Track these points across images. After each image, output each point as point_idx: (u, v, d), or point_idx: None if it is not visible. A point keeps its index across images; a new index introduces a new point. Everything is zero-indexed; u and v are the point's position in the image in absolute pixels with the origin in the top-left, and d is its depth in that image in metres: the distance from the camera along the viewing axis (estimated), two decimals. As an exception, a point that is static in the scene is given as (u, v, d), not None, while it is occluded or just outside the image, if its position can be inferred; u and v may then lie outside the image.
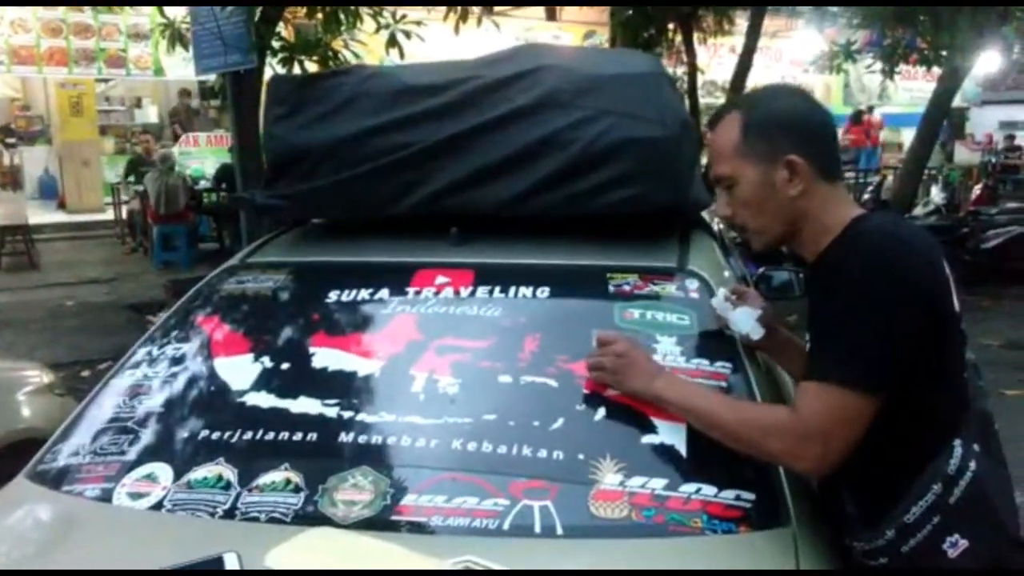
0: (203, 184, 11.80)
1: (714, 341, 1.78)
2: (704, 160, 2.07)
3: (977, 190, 11.90)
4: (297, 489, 1.53)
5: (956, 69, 9.49)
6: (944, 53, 9.04)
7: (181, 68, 10.92)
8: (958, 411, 1.44)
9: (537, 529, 1.42)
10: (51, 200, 14.21)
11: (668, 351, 1.74)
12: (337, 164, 2.13)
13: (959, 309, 1.49)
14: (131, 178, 11.84)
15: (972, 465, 1.39)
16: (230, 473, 1.58)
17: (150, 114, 17.25)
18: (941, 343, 1.42)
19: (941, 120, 10.55)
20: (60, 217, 13.35)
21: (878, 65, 9.93)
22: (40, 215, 12.62)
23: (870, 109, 17.67)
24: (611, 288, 1.91)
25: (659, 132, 2.00)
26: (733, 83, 9.32)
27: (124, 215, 12.08)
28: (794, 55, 15.77)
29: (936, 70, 9.81)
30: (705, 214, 2.52)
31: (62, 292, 9.29)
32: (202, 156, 13.76)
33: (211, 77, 6.61)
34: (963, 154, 17.75)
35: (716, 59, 13.38)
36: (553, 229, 2.13)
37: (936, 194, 10.64)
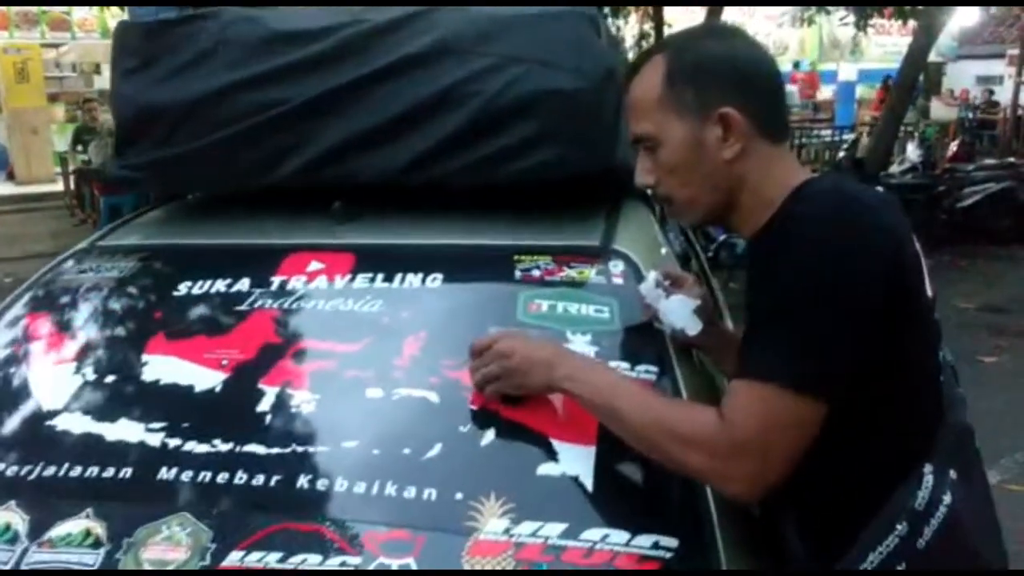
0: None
1: (638, 339, 1.46)
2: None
3: (954, 147, 11.63)
4: (97, 544, 1.20)
5: (932, 23, 9.15)
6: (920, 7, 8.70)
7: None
8: (930, 426, 1.13)
9: (394, 598, 1.10)
10: (0, 171, 13.68)
11: (580, 352, 1.41)
12: (196, 127, 1.77)
13: (933, 295, 1.17)
14: (79, 147, 11.33)
15: (947, 498, 1.08)
16: (20, 521, 1.24)
17: (108, 80, 16.61)
18: (909, 335, 1.11)
19: (917, 75, 10.23)
20: (9, 189, 12.85)
21: (851, 18, 9.58)
22: (-12, 187, 12.15)
23: (796, 64, 17.48)
24: (517, 273, 1.57)
25: (577, 83, 1.66)
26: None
27: (73, 186, 11.59)
28: (768, 10, 15.36)
29: (912, 23, 9.47)
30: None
31: (5, 268, 8.87)
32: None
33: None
34: (939, 110, 17.49)
35: (688, 13, 12.96)
36: (459, 202, 1.79)
37: (912, 151, 10.33)
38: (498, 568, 1.12)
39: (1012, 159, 10.43)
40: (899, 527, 1.07)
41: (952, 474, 1.10)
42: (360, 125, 1.72)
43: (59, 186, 12.39)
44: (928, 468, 1.09)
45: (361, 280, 1.58)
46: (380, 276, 1.58)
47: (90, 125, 11.21)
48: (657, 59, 1.25)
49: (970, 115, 16.02)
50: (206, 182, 1.90)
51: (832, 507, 1.14)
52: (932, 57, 12.56)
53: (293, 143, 1.75)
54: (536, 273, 1.57)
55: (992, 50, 21.17)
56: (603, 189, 1.88)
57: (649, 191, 1.32)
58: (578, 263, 1.59)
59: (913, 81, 10.04)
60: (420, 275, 1.58)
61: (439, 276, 1.58)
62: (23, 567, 1.18)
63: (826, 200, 1.12)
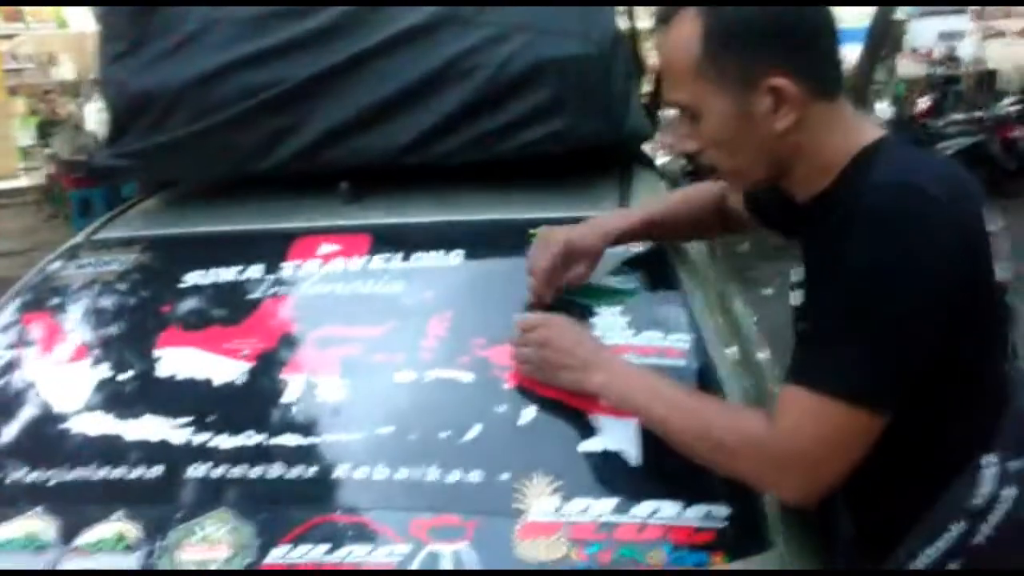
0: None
1: (667, 308, 1.43)
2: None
3: (922, 103, 11.68)
4: (132, 547, 1.16)
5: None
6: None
7: (86, 19, 10.15)
8: (992, 414, 1.07)
9: (448, 585, 1.08)
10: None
11: (610, 325, 1.38)
12: (191, 111, 1.71)
13: (1009, 278, 1.10)
14: (46, 140, 11.07)
15: (1008, 491, 1.03)
16: (48, 527, 1.20)
17: (67, 71, 16.22)
18: (977, 330, 1.05)
19: (885, 33, 10.24)
20: (-28, 186, 12.53)
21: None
22: (-51, 185, 11.82)
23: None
24: None
25: (584, 49, 1.62)
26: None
27: (43, 180, 11.33)
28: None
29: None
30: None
31: (-26, 267, 8.67)
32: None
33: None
34: (906, 67, 17.54)
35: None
36: (466, 177, 1.75)
37: (884, 109, 10.36)
38: (552, 548, 1.10)
39: (980, 113, 10.48)
40: (954, 526, 1.02)
41: (1014, 466, 1.05)
42: (360, 104, 1.67)
43: (23, 181, 12.12)
44: (989, 460, 1.04)
45: (378, 261, 1.54)
46: (398, 256, 1.54)
47: (52, 118, 10.98)
48: (689, 16, 1.07)
49: (937, 71, 16.09)
50: (203, 169, 1.84)
51: (883, 496, 1.11)
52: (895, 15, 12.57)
53: (291, 125, 1.70)
54: None
55: (953, 7, 21.26)
56: (613, 157, 1.85)
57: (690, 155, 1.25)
58: None
59: (882, 39, 10.05)
60: (439, 253, 1.54)
61: (458, 254, 1.54)
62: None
63: (887, 199, 1.00)
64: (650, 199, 1.52)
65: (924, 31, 21.79)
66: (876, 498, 1.10)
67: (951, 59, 17.22)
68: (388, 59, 1.64)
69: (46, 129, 11.00)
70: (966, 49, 16.91)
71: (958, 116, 10.64)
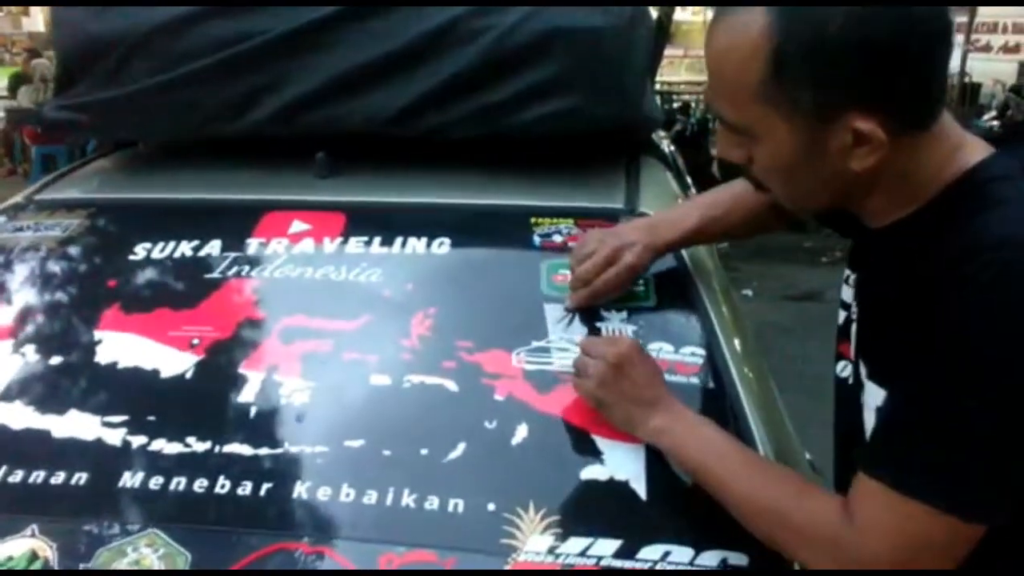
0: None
1: (680, 316, 1.27)
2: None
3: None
4: (47, 569, 0.97)
5: None
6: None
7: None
8: None
9: (420, 639, 0.91)
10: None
11: (617, 332, 1.22)
12: (152, 62, 1.52)
13: None
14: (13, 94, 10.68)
15: None
16: None
17: (39, 22, 15.76)
18: None
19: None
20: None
21: None
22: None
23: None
24: (536, 239, 1.37)
25: (602, 21, 1.44)
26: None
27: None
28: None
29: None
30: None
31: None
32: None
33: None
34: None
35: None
36: (458, 155, 1.58)
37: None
38: (546, 599, 0.93)
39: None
40: None
41: None
42: (348, 63, 1.48)
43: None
44: None
45: (355, 244, 1.36)
46: (378, 240, 1.37)
47: (26, 71, 10.62)
48: (757, 19, 0.84)
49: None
50: (163, 128, 1.63)
51: None
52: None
53: (266, 84, 1.51)
54: (557, 239, 1.37)
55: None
56: (620, 144, 1.69)
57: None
58: (604, 228, 1.39)
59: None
60: (424, 240, 1.37)
61: (446, 241, 1.37)
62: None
63: (1007, 271, 0.80)
64: (699, 197, 1.35)
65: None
66: None
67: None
68: (381, 16, 1.46)
69: (20, 83, 10.62)
70: (953, 61, 16.99)
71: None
